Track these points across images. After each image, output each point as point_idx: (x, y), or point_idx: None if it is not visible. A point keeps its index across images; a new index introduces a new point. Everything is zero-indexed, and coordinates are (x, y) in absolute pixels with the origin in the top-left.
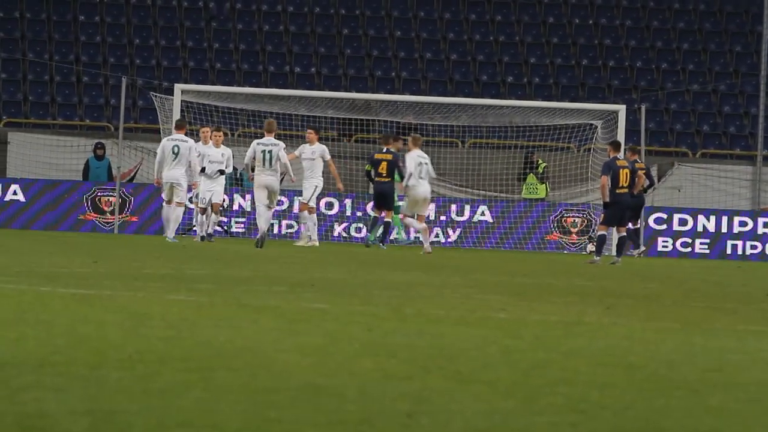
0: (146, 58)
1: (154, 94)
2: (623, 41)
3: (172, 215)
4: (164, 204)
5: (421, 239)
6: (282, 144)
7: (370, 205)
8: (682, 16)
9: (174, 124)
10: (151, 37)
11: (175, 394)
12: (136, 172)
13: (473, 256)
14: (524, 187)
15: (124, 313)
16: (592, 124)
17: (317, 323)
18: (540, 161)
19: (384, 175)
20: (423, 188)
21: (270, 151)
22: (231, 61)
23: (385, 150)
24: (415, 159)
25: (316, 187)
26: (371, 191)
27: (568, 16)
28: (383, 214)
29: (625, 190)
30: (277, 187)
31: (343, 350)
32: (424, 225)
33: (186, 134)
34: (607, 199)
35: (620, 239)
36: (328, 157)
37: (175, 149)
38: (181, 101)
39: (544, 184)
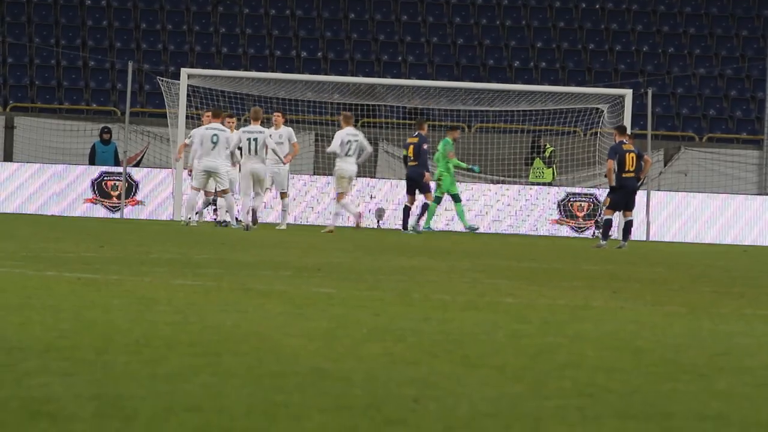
0: (152, 42)
1: (161, 78)
2: (630, 25)
3: (200, 202)
4: (191, 190)
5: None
6: (268, 131)
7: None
8: (689, 1)
9: (211, 113)
10: (158, 22)
11: (182, 378)
12: (142, 157)
13: (480, 241)
14: (531, 172)
15: (130, 297)
16: (598, 109)
17: (324, 308)
18: (547, 145)
19: (412, 158)
20: (348, 166)
21: (255, 139)
22: (237, 46)
23: (415, 134)
24: (343, 137)
25: (287, 172)
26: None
27: (575, 0)
28: (406, 199)
29: (632, 175)
30: (264, 174)
31: (350, 335)
32: (344, 202)
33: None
34: (614, 184)
35: (626, 223)
36: (294, 139)
37: (214, 138)
38: (188, 86)
39: (550, 169)
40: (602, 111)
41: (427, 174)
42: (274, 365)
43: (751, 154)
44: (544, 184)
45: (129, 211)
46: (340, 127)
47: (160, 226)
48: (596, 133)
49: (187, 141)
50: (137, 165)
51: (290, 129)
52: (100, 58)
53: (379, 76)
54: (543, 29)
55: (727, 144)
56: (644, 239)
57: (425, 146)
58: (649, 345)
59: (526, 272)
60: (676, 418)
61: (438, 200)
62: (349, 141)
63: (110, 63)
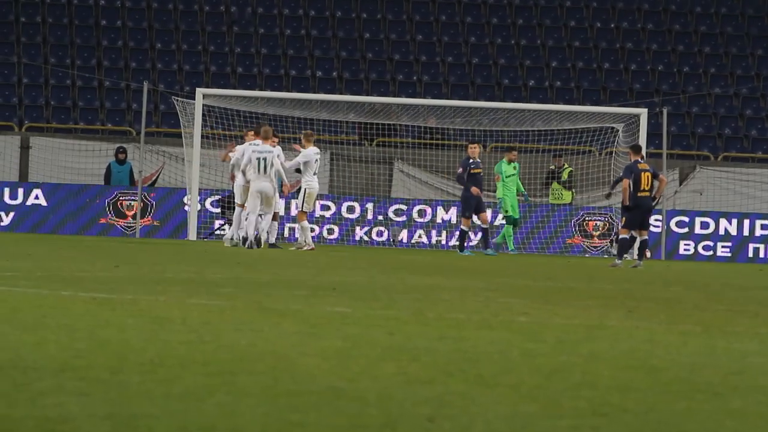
0: (168, 62)
1: (176, 98)
2: (645, 45)
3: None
4: (238, 208)
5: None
6: (276, 151)
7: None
8: (704, 20)
9: (254, 132)
10: (173, 42)
11: (197, 398)
12: (157, 177)
13: (495, 260)
14: (550, 194)
15: (145, 317)
16: (613, 128)
17: (339, 327)
18: (566, 165)
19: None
20: (317, 184)
21: (265, 158)
22: (252, 66)
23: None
24: (311, 156)
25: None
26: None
27: (590, 20)
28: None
29: (647, 194)
30: (272, 192)
31: (365, 354)
32: (305, 224)
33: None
34: (629, 203)
35: (642, 242)
36: (283, 158)
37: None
38: (203, 105)
39: (570, 191)
40: (617, 130)
41: (473, 189)
42: (290, 384)
43: (766, 172)
44: (563, 205)
45: (144, 231)
46: (302, 145)
47: (175, 245)
48: (611, 153)
49: (231, 155)
50: (152, 185)
51: (279, 148)
52: (115, 78)
53: (395, 96)
54: (558, 48)
55: (742, 163)
56: (660, 258)
57: (460, 170)
58: (664, 364)
59: (540, 291)
60: None
61: (508, 220)
62: (317, 160)
63: (125, 83)
